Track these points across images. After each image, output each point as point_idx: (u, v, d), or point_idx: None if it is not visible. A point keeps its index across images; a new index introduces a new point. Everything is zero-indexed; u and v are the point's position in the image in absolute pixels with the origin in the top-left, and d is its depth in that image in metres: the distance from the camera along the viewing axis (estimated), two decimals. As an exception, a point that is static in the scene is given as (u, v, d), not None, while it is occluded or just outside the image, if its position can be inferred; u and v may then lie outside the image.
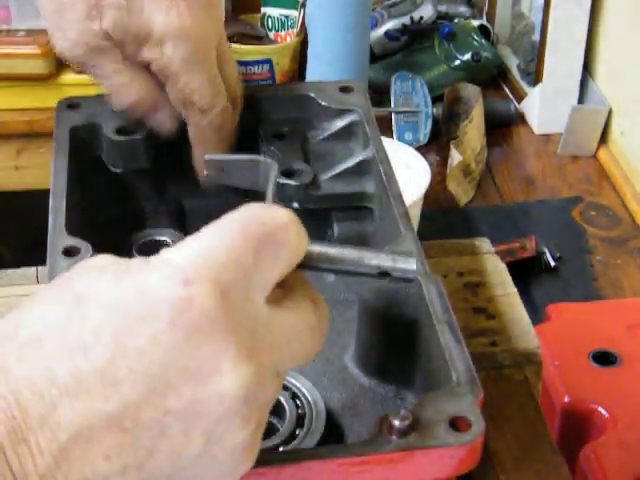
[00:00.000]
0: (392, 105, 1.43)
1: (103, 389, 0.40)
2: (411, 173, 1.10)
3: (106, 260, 0.43)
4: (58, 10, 0.67)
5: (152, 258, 0.43)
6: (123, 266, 0.43)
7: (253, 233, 0.43)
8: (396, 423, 0.48)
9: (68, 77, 1.43)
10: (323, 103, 0.73)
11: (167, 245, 0.71)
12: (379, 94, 1.48)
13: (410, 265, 0.50)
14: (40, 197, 0.73)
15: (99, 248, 0.56)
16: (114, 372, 0.40)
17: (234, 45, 1.32)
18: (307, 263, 0.47)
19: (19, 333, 0.41)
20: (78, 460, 0.40)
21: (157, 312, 0.41)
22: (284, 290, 0.46)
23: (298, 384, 0.59)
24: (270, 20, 1.44)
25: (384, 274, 0.50)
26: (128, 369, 0.40)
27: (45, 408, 0.40)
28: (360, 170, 0.70)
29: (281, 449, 0.54)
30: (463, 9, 1.66)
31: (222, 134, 0.70)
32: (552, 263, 1.22)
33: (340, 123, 0.73)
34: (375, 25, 1.53)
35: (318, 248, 0.49)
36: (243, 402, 0.42)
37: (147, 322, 0.41)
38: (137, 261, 0.43)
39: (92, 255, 0.58)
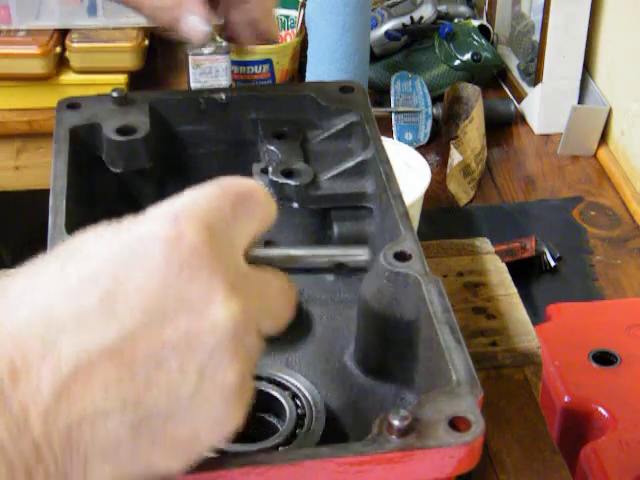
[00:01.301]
0: (392, 105, 1.43)
1: (101, 323, 0.42)
2: (411, 173, 1.10)
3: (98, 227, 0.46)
4: None
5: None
6: (114, 223, 0.45)
7: (230, 190, 0.47)
8: (396, 423, 0.48)
9: (68, 77, 1.43)
10: (323, 103, 0.73)
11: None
12: (379, 94, 1.49)
13: (362, 255, 0.52)
14: (40, 197, 0.73)
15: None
16: (112, 306, 0.42)
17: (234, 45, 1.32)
18: (267, 264, 0.49)
19: (15, 287, 0.43)
20: (78, 395, 0.41)
21: (151, 249, 0.43)
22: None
23: (298, 384, 0.59)
24: (270, 20, 1.44)
25: (340, 266, 0.52)
26: (125, 302, 0.42)
27: (45, 347, 0.41)
28: (360, 170, 0.70)
29: (281, 449, 0.54)
30: (463, 9, 1.66)
31: None
32: (552, 263, 1.22)
33: (340, 123, 0.73)
34: (375, 25, 1.53)
35: (275, 251, 0.51)
36: (232, 336, 0.43)
37: (142, 259, 0.43)
38: (128, 218, 0.45)
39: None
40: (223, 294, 0.43)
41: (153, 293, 0.43)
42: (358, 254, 0.53)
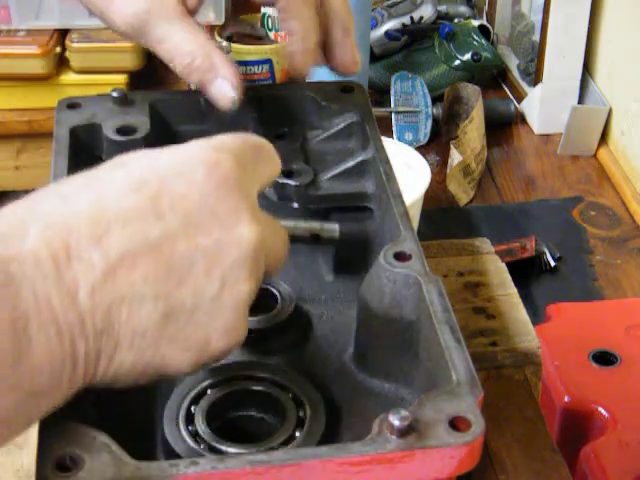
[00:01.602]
0: (392, 105, 1.43)
1: (148, 221, 0.48)
2: (411, 173, 1.10)
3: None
4: None
5: None
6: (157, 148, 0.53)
7: (250, 140, 0.55)
8: (396, 423, 0.48)
9: (68, 77, 1.43)
10: (323, 103, 0.73)
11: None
12: (379, 94, 1.49)
13: (334, 227, 0.65)
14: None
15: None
16: (159, 206, 0.49)
17: (234, 45, 1.32)
18: None
19: (72, 186, 0.49)
20: (121, 279, 0.47)
21: (194, 167, 0.50)
22: None
23: (298, 384, 0.59)
24: (270, 20, 1.44)
25: (315, 237, 0.63)
26: (170, 205, 0.49)
27: (97, 235, 0.47)
28: (360, 170, 0.70)
29: (281, 449, 0.54)
30: (463, 9, 1.66)
31: None
32: (552, 263, 1.22)
33: (340, 123, 0.73)
34: (375, 25, 1.53)
35: None
36: (252, 254, 0.50)
37: (185, 174, 0.50)
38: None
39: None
40: (249, 216, 0.51)
41: (193, 203, 0.49)
42: (331, 229, 0.64)
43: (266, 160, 0.55)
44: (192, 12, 0.69)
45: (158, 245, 0.48)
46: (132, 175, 0.50)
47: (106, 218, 0.48)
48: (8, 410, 0.45)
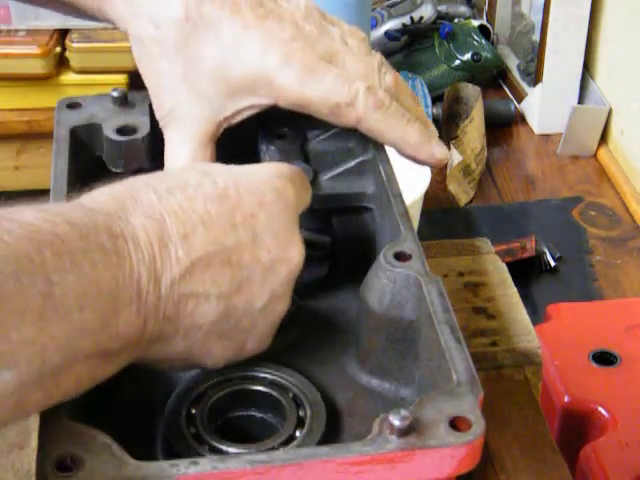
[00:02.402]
0: (392, 105, 1.43)
1: (226, 229, 0.55)
2: (411, 173, 1.10)
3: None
4: None
5: None
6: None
7: (297, 170, 0.62)
8: (396, 423, 0.48)
9: (68, 77, 1.43)
10: (323, 103, 0.73)
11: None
12: (379, 94, 1.48)
13: (326, 240, 0.69)
14: (40, 197, 0.73)
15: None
16: (234, 219, 0.55)
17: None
18: None
19: (162, 184, 0.55)
20: (197, 277, 0.53)
21: (265, 190, 0.57)
22: None
23: (298, 384, 0.59)
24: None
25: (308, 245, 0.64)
26: (243, 219, 0.55)
27: (186, 230, 0.53)
28: (360, 170, 0.70)
29: (281, 449, 0.54)
30: (463, 9, 1.66)
31: None
32: (552, 263, 1.22)
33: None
34: (375, 25, 1.53)
35: None
36: (294, 275, 0.58)
37: (258, 194, 0.56)
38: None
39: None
40: (298, 240, 0.58)
41: (261, 222, 0.56)
42: (323, 241, 0.69)
43: (306, 188, 0.62)
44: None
45: (229, 253, 0.54)
46: (217, 185, 0.56)
47: (193, 220, 0.54)
48: (85, 363, 0.49)
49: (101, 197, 0.54)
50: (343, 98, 0.66)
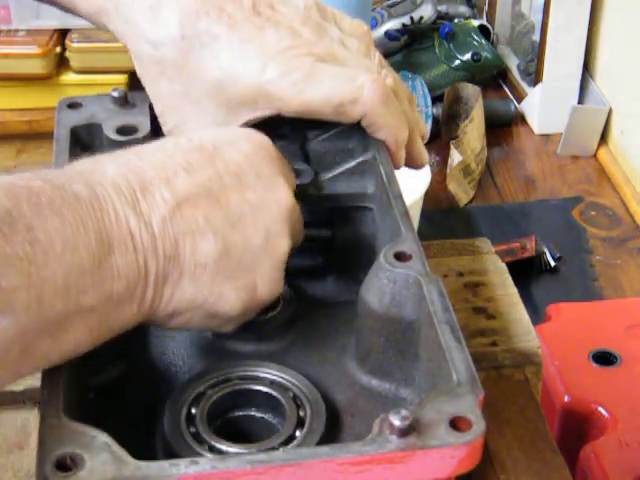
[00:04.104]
0: (392, 105, 1.43)
1: (208, 173, 0.56)
2: (411, 173, 1.09)
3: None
4: None
5: None
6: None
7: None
8: (396, 423, 0.48)
9: (68, 77, 1.43)
10: (323, 103, 0.73)
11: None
12: (379, 94, 1.48)
13: (327, 232, 0.70)
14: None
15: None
16: (216, 166, 0.57)
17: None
18: None
19: (147, 149, 0.57)
20: (188, 214, 0.54)
21: (243, 143, 0.59)
22: None
23: (298, 384, 0.59)
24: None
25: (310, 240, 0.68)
26: (226, 166, 0.57)
27: (167, 175, 0.55)
28: (360, 170, 0.70)
29: (281, 449, 0.54)
30: (463, 9, 1.66)
31: None
32: (552, 263, 1.22)
33: (340, 123, 0.73)
34: (375, 25, 1.53)
35: None
36: (288, 214, 0.59)
37: (236, 144, 0.59)
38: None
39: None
40: (286, 183, 0.59)
41: (242, 166, 0.58)
42: (324, 233, 0.70)
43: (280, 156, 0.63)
44: None
45: (216, 194, 0.56)
46: (193, 141, 0.58)
47: (174, 166, 0.55)
48: (92, 309, 0.50)
49: (77, 163, 0.56)
50: (347, 95, 0.66)
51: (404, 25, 1.54)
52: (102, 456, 0.47)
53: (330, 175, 0.70)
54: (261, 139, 0.61)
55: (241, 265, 0.57)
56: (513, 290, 0.85)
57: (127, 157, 0.56)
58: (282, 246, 0.58)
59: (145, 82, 0.69)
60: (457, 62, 1.53)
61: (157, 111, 0.69)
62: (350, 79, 0.66)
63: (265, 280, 0.58)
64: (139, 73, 0.70)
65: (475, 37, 1.54)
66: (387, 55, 1.55)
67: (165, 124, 0.69)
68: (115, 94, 0.73)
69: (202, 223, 0.55)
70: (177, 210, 0.54)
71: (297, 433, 0.56)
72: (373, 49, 0.72)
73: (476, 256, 0.88)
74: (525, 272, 1.19)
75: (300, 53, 0.66)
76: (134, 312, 0.53)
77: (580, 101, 1.46)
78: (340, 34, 0.70)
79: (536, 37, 1.49)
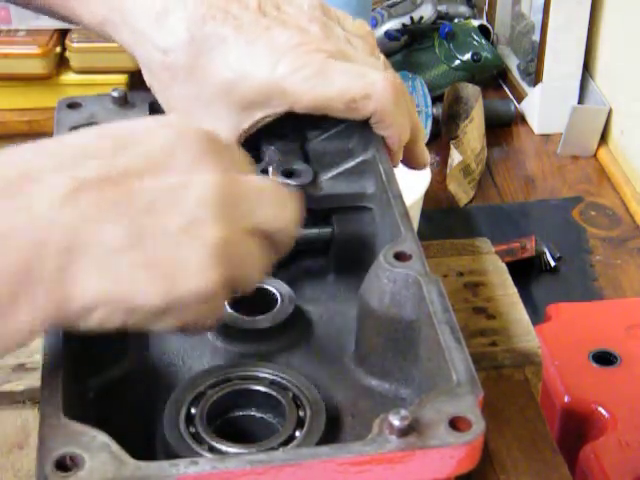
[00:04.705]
0: (392, 105, 1.43)
1: (111, 157, 0.50)
2: (411, 173, 1.09)
3: None
4: None
5: None
6: None
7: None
8: (396, 423, 0.48)
9: (68, 77, 1.43)
10: (323, 103, 0.73)
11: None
12: (379, 94, 1.48)
13: (327, 231, 0.69)
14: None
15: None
16: (121, 148, 0.51)
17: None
18: None
19: (48, 141, 0.52)
20: (86, 201, 0.48)
21: (148, 124, 0.53)
22: None
23: (298, 384, 0.59)
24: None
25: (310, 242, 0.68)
26: (132, 150, 0.51)
27: (60, 162, 0.49)
28: (360, 170, 0.70)
29: (281, 449, 0.54)
30: (463, 9, 1.66)
31: None
32: (552, 263, 1.22)
33: (340, 123, 0.73)
34: (375, 25, 1.53)
35: None
36: (218, 199, 0.51)
37: (149, 130, 0.53)
38: None
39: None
40: (209, 167, 0.51)
41: (158, 150, 0.51)
42: (325, 232, 0.69)
43: (243, 155, 0.56)
44: None
45: (127, 178, 0.50)
46: (103, 128, 0.54)
47: (69, 153, 0.50)
48: None
49: None
50: (359, 92, 0.66)
51: (404, 25, 1.54)
52: (102, 456, 0.47)
53: (330, 175, 0.70)
54: (186, 124, 0.54)
55: (156, 253, 0.50)
56: (513, 290, 0.85)
57: (22, 147, 0.50)
58: (211, 231, 0.51)
59: (156, 90, 0.69)
60: (457, 62, 1.53)
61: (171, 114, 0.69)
62: (362, 76, 0.66)
63: (190, 269, 0.50)
64: (149, 82, 0.70)
65: (475, 37, 1.54)
66: (387, 55, 1.53)
67: None
68: (115, 94, 0.73)
69: (106, 208, 0.49)
70: (71, 196, 0.48)
71: (297, 433, 0.56)
72: (377, 49, 0.72)
73: (476, 256, 0.88)
74: (525, 272, 1.19)
75: (310, 49, 0.66)
76: (26, 315, 0.48)
77: (580, 101, 1.46)
78: (345, 33, 0.70)
79: (536, 37, 1.49)
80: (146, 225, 0.50)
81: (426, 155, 0.74)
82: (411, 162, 0.73)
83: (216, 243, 0.51)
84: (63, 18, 0.74)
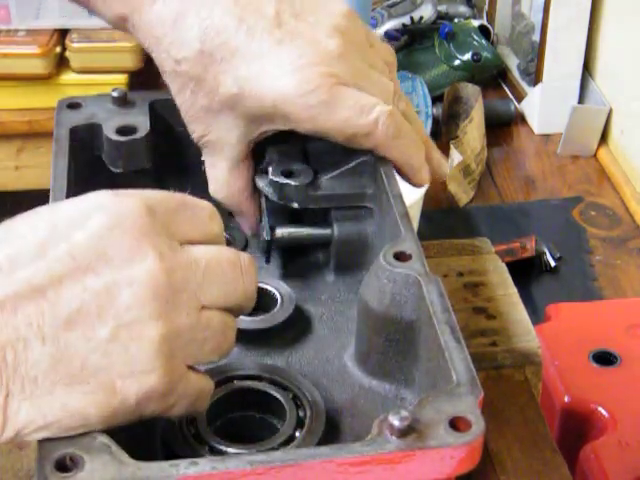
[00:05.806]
0: (392, 105, 1.43)
1: (33, 265, 0.47)
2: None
3: None
4: None
5: None
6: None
7: (177, 196, 0.53)
8: (396, 423, 0.48)
9: (68, 77, 1.43)
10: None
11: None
12: (379, 94, 1.48)
13: (327, 231, 0.70)
14: (40, 197, 0.73)
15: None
16: (44, 252, 0.47)
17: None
18: None
19: None
20: (4, 322, 0.46)
21: (89, 211, 0.49)
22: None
23: (298, 384, 0.59)
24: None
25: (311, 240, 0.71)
26: (54, 250, 0.48)
27: None
28: (360, 170, 0.70)
29: (281, 449, 0.54)
30: (463, 9, 1.66)
31: None
32: (552, 263, 1.21)
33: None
34: (375, 25, 1.53)
35: None
36: (152, 295, 0.48)
37: (78, 219, 0.49)
38: None
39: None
40: (146, 256, 0.48)
41: (82, 245, 0.48)
42: (325, 232, 0.69)
43: (196, 216, 0.53)
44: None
45: (42, 290, 0.47)
46: (27, 220, 0.50)
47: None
48: None
49: None
50: (360, 129, 0.66)
51: (404, 25, 1.54)
52: (102, 457, 0.47)
53: (330, 175, 0.70)
54: (124, 206, 0.50)
55: (86, 367, 0.47)
56: (513, 290, 0.85)
57: None
58: (147, 333, 0.48)
59: (171, 90, 0.70)
60: (457, 62, 1.52)
61: (185, 120, 0.70)
62: (366, 112, 0.65)
63: (126, 375, 0.48)
64: (166, 80, 0.70)
65: (475, 37, 1.54)
66: (387, 55, 1.55)
67: (192, 133, 0.70)
68: (115, 94, 0.73)
69: (24, 330, 0.46)
70: None
71: (297, 433, 0.56)
72: (394, 75, 0.72)
73: (476, 256, 0.88)
74: (525, 272, 1.19)
75: (320, 72, 0.65)
76: None
77: (580, 101, 1.46)
78: (368, 50, 0.69)
79: (536, 37, 1.49)
80: (69, 340, 0.47)
81: (442, 163, 0.75)
82: (413, 182, 0.73)
83: (159, 341, 0.48)
84: (89, 9, 0.74)
